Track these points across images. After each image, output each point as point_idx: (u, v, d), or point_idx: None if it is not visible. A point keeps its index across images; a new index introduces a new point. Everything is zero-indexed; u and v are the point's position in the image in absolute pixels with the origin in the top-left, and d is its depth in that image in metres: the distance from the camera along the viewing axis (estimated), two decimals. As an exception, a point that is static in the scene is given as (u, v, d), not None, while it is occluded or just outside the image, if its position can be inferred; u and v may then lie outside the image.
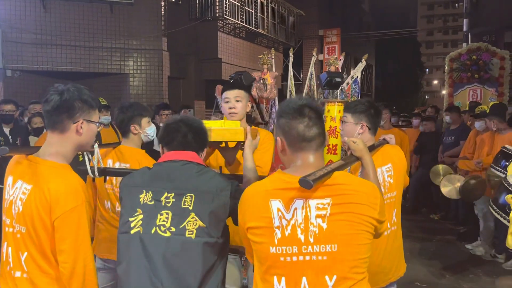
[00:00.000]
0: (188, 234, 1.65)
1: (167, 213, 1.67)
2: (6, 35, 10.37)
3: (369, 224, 1.52)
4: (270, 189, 1.55)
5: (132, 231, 1.68)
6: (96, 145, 2.13)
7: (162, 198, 1.70)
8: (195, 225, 1.65)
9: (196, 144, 1.85)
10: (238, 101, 2.72)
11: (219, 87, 6.14)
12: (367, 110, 2.38)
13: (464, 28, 11.56)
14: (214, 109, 8.38)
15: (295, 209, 1.50)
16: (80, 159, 2.36)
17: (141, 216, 1.69)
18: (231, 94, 2.74)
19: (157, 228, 1.66)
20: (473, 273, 5.01)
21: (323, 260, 1.49)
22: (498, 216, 3.31)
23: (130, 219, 1.70)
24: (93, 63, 11.31)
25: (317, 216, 1.49)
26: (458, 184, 5.23)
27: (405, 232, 6.88)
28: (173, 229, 1.66)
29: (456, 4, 59.70)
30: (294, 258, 1.49)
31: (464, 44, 10.66)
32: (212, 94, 7.19)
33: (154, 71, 11.94)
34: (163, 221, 1.67)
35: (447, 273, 5.01)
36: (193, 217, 1.66)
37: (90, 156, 2.16)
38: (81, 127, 1.75)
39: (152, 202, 1.70)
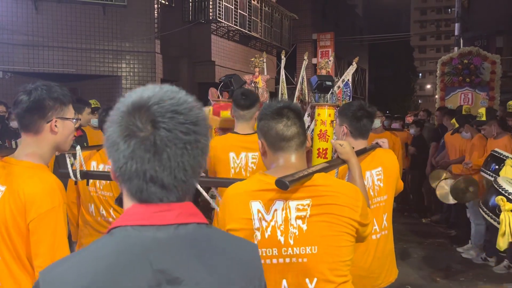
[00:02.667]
0: None
1: None
2: (-3, 36, 10.32)
3: (349, 226, 1.51)
4: (250, 190, 1.53)
5: None
6: (78, 148, 2.08)
7: None
8: None
9: (195, 178, 0.91)
10: None
11: (212, 90, 6.12)
12: (350, 113, 2.35)
13: (456, 33, 11.64)
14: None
15: (275, 210, 1.49)
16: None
17: None
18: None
19: None
20: (464, 276, 5.01)
21: (303, 263, 1.47)
22: (488, 218, 3.30)
23: None
24: (85, 65, 11.26)
25: (297, 218, 1.48)
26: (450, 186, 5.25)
27: (396, 235, 6.85)
28: None
29: (449, 10, 60.17)
30: (274, 261, 1.48)
31: (456, 48, 10.73)
32: (205, 97, 7.15)
33: (147, 74, 11.91)
34: None
35: (438, 277, 5.00)
36: None
37: (72, 159, 2.11)
38: (55, 126, 1.68)
39: None
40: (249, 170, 2.85)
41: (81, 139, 4.32)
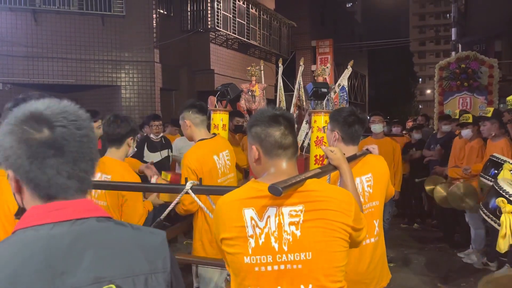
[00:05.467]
0: None
1: None
2: (-3, 48, 10.38)
3: (343, 231, 1.51)
4: (243, 198, 1.53)
5: None
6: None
7: None
8: None
9: (92, 173, 1.03)
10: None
11: (211, 98, 6.13)
12: (342, 118, 2.35)
13: (453, 37, 11.70)
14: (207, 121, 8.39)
15: (268, 217, 1.49)
16: None
17: None
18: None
19: None
20: (465, 281, 4.98)
21: (298, 269, 1.47)
22: (489, 220, 3.28)
23: None
24: (84, 76, 11.31)
25: (291, 224, 1.48)
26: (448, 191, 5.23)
27: (397, 241, 6.82)
28: None
29: (447, 15, 60.38)
30: (269, 268, 1.47)
31: (453, 53, 10.77)
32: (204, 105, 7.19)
33: (146, 83, 11.96)
34: None
35: (439, 282, 4.98)
36: None
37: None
38: None
39: None
40: (227, 167, 3.12)
41: None
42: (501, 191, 3.18)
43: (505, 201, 3.02)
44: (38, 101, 0.98)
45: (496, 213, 3.16)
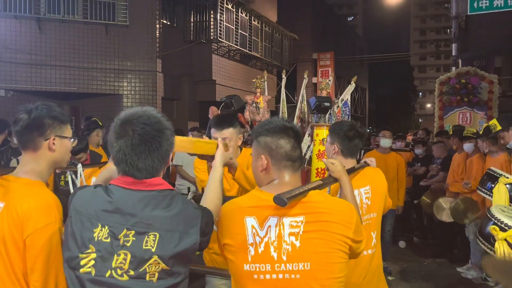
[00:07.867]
0: (149, 277, 1.41)
1: (125, 254, 1.41)
2: (0, 55, 10.42)
3: (343, 243, 1.52)
4: (246, 206, 1.56)
5: (82, 270, 1.41)
6: (80, 165, 2.12)
7: (121, 236, 1.42)
8: (157, 268, 1.41)
9: (160, 164, 1.51)
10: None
11: (212, 109, 6.18)
12: (342, 132, 2.40)
13: (453, 53, 11.75)
14: (207, 131, 8.41)
15: (269, 226, 1.51)
16: (62, 183, 2.33)
17: (93, 255, 1.41)
18: (219, 135, 2.70)
19: (112, 271, 1.40)
20: (463, 296, 4.98)
21: (296, 279, 1.48)
22: (486, 248, 3.29)
23: (81, 256, 1.42)
24: (87, 84, 11.36)
25: (290, 234, 1.50)
26: (450, 206, 5.24)
27: (396, 254, 6.82)
28: (131, 272, 1.40)
29: (448, 30, 60.86)
30: (267, 276, 1.49)
31: (453, 68, 10.85)
32: (206, 115, 7.23)
33: (148, 92, 12.01)
34: (121, 263, 1.40)
35: (437, 297, 4.97)
36: (155, 260, 1.41)
37: (74, 176, 2.15)
38: (53, 144, 1.72)
39: (108, 240, 1.42)
40: None
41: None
42: (493, 219, 3.20)
43: (497, 228, 3.03)
44: (133, 110, 1.51)
45: (490, 240, 3.18)
